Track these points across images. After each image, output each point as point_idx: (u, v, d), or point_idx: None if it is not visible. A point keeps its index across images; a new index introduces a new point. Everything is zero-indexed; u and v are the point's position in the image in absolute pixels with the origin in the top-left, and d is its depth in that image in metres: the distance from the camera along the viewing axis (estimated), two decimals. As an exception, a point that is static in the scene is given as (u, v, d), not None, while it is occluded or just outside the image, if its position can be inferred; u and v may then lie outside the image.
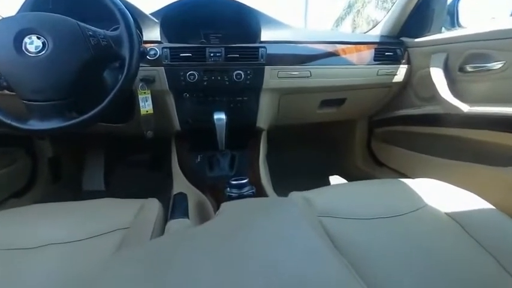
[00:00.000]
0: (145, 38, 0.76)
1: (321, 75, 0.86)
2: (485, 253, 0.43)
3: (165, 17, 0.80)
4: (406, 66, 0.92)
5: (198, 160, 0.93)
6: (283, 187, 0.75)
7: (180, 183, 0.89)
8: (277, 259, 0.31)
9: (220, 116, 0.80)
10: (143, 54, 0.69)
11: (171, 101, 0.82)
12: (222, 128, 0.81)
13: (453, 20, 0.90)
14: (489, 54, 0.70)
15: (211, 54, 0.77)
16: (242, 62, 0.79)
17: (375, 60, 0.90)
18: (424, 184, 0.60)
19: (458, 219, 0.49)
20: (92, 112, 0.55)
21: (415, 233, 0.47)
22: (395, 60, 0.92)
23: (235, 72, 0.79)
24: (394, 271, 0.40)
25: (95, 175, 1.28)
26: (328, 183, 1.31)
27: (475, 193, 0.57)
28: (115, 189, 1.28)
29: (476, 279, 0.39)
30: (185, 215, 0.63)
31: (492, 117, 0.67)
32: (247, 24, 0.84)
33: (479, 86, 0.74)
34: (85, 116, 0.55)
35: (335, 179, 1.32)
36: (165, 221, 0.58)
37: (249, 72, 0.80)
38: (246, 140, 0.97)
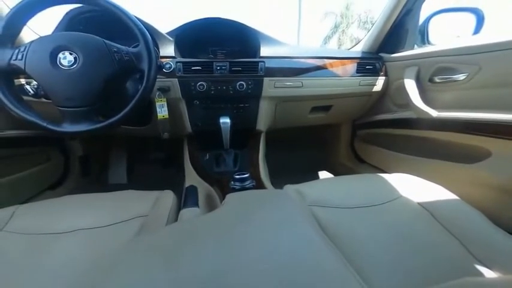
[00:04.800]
0: (161, 54, 0.76)
1: (311, 85, 0.86)
2: (451, 237, 0.43)
3: (179, 36, 0.81)
4: (384, 77, 0.92)
5: (207, 158, 0.93)
6: (279, 181, 0.75)
7: (191, 178, 0.89)
8: (274, 243, 0.31)
9: (225, 120, 0.80)
10: (160, 67, 0.69)
11: (183, 107, 0.82)
12: (227, 130, 0.81)
13: (423, 38, 0.90)
14: (455, 67, 0.70)
15: (218, 68, 0.77)
16: (244, 74, 0.79)
17: (357, 72, 0.90)
18: (399, 178, 0.60)
19: (428, 208, 0.49)
20: (116, 117, 0.55)
21: (391, 220, 0.47)
22: (375, 73, 0.92)
23: (238, 83, 0.79)
24: (375, 253, 0.40)
25: (118, 170, 1.28)
26: (317, 177, 1.30)
27: (442, 186, 0.56)
28: (136, 182, 1.27)
29: (445, 259, 0.39)
30: (196, 204, 0.63)
31: (457, 121, 0.67)
32: (249, 41, 0.84)
33: (446, 94, 0.74)
34: (110, 120, 0.55)
35: (323, 174, 1.32)
36: (179, 209, 0.57)
37: (250, 82, 0.80)
38: (247, 141, 0.97)
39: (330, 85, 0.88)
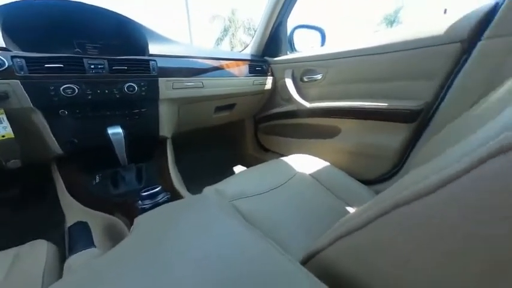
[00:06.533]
0: None
1: (212, 85, 0.87)
2: (329, 192, 0.58)
3: (8, 19, 0.56)
4: (271, 77, 1.09)
5: (97, 181, 0.73)
6: (197, 185, 0.71)
7: (75, 212, 0.67)
8: (203, 248, 0.29)
9: (116, 131, 0.66)
10: None
11: (40, 120, 0.59)
12: (120, 143, 0.67)
13: (291, 46, 1.14)
14: (315, 69, 0.94)
15: (92, 66, 0.61)
16: (133, 74, 0.67)
17: (250, 73, 1.00)
18: (294, 158, 0.74)
19: (315, 176, 0.64)
20: None
21: (294, 194, 0.57)
22: (264, 73, 1.06)
23: (127, 85, 0.66)
24: (287, 224, 0.48)
25: None
26: (233, 172, 1.37)
27: (320, 157, 0.76)
28: None
29: (327, 208, 0.53)
30: (90, 244, 0.49)
31: (321, 109, 0.91)
32: (131, 37, 0.72)
33: (312, 90, 0.97)
34: None
35: (238, 168, 1.40)
36: (63, 260, 0.42)
37: (142, 84, 0.69)
38: (151, 150, 0.85)
39: (229, 85, 0.93)
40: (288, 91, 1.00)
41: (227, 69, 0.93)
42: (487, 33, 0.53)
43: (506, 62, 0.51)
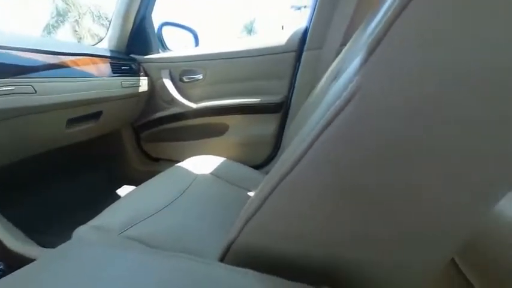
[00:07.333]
0: None
1: (53, 90, 0.62)
2: (231, 185, 0.63)
3: None
4: (146, 78, 0.96)
5: None
6: (64, 228, 0.50)
7: None
8: None
9: None
10: None
11: None
12: None
13: (163, 44, 1.06)
14: (194, 70, 0.94)
15: None
16: None
17: (114, 72, 0.82)
18: (192, 161, 0.72)
19: (215, 174, 0.66)
20: None
21: (198, 197, 0.55)
22: (134, 73, 0.91)
23: None
24: (200, 231, 0.45)
25: None
26: (117, 196, 1.09)
27: (215, 154, 0.78)
28: None
29: (233, 200, 0.56)
30: None
31: (208, 108, 0.93)
32: None
33: (196, 90, 0.96)
34: None
35: (124, 189, 1.14)
36: None
37: None
38: None
39: (86, 88, 0.71)
40: (169, 93, 0.93)
41: (78, 68, 0.70)
42: (306, 46, 0.78)
43: (318, 67, 0.78)
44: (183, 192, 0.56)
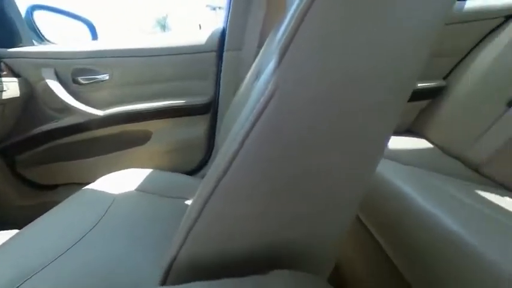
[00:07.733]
0: None
1: None
2: (163, 197, 0.56)
3: None
4: (15, 79, 0.69)
5: None
6: None
7: None
8: None
9: None
10: None
11: None
12: None
13: (38, 35, 0.80)
14: (94, 69, 0.76)
15: None
16: None
17: None
18: (106, 181, 0.59)
19: (141, 189, 0.57)
20: None
21: (121, 221, 0.46)
22: None
23: None
24: (134, 259, 0.38)
25: None
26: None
27: (138, 167, 0.67)
28: None
29: (169, 213, 0.50)
30: None
31: (123, 114, 0.78)
32: None
33: (100, 93, 0.79)
34: None
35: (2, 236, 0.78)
36: None
37: None
38: None
39: None
40: (60, 98, 0.72)
41: None
42: (225, 47, 0.79)
43: (239, 67, 0.81)
44: (100, 219, 0.45)
